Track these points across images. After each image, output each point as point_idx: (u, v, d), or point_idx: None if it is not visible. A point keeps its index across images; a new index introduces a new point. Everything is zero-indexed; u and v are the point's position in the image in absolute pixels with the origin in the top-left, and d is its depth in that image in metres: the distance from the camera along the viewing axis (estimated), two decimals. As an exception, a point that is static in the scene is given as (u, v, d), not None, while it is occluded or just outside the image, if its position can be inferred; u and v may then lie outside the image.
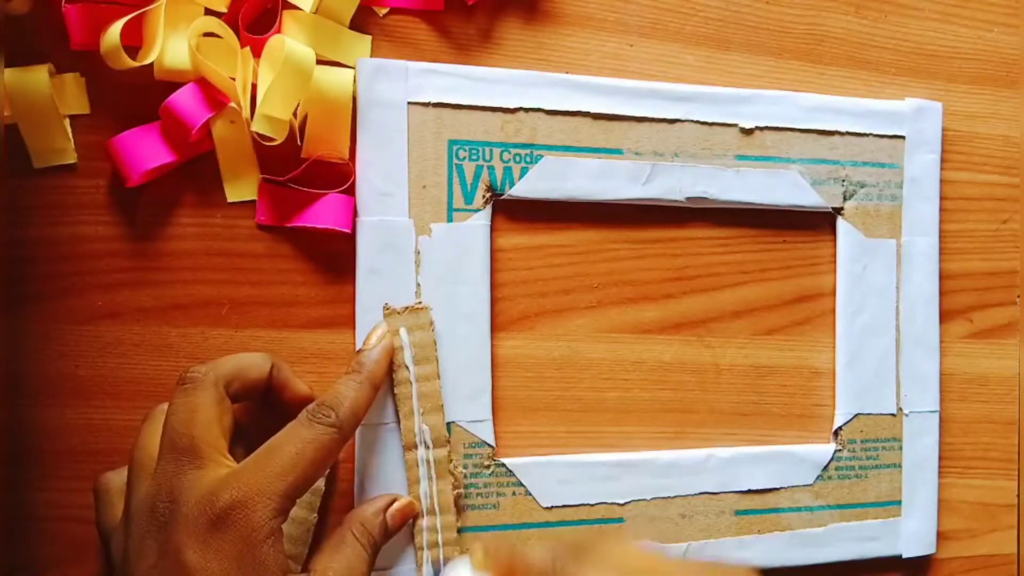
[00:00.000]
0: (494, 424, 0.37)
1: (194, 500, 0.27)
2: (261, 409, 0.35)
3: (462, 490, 0.36)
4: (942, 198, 0.44)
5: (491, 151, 0.37)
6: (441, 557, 0.35)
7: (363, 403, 0.32)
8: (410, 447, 0.35)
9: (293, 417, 0.31)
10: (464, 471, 0.36)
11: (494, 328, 0.38)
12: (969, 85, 0.46)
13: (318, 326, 0.36)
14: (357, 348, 0.35)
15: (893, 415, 0.42)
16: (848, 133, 0.42)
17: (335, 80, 0.35)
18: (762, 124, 0.41)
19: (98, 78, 0.34)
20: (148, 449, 0.30)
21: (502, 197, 0.37)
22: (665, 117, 0.39)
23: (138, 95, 0.34)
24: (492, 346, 0.37)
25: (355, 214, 0.36)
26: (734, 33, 0.42)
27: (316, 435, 0.30)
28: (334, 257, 0.36)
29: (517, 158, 0.37)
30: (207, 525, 0.27)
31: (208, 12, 0.34)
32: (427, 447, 0.35)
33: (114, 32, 0.32)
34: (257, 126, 0.34)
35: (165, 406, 0.30)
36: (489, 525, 0.37)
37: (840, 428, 0.42)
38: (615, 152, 0.39)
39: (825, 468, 0.41)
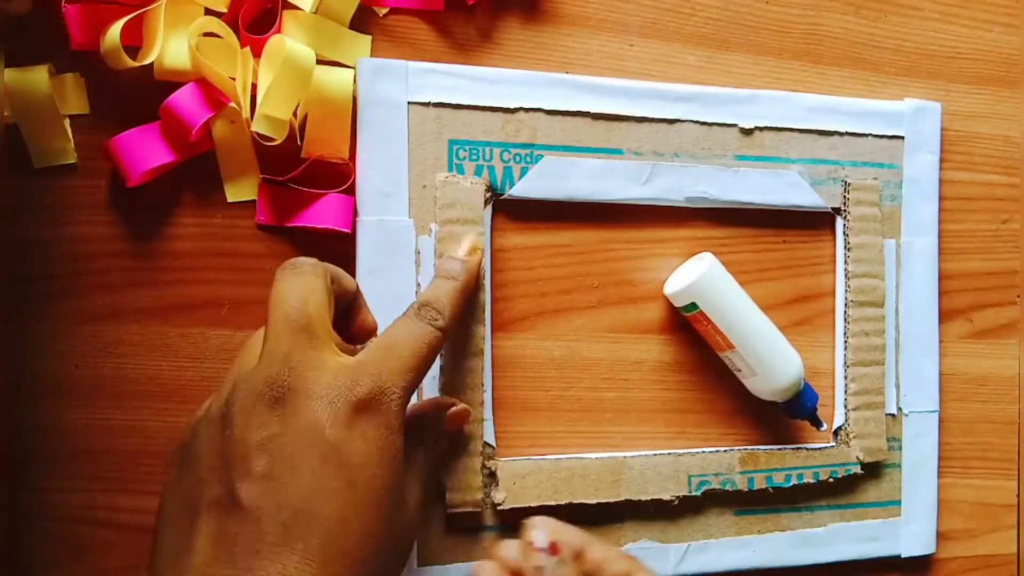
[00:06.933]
0: (494, 424, 0.37)
1: (327, 380, 0.26)
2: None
3: None
4: (942, 198, 0.44)
5: (491, 151, 0.37)
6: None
7: (460, 311, 0.33)
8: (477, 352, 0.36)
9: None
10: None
11: (494, 328, 0.38)
12: (969, 85, 0.46)
13: (318, 326, 0.36)
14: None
15: (893, 415, 0.42)
16: (848, 133, 0.42)
17: (335, 80, 0.35)
18: (762, 124, 0.41)
19: (98, 78, 0.34)
20: (246, 361, 0.28)
21: (502, 197, 0.37)
22: (665, 117, 0.39)
23: (138, 95, 0.34)
24: (492, 346, 0.37)
25: (355, 214, 0.36)
26: (734, 33, 0.42)
27: (429, 335, 0.30)
28: (334, 257, 0.36)
29: (517, 158, 0.37)
30: (349, 408, 0.26)
31: (208, 12, 0.34)
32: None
33: (114, 32, 0.32)
34: (257, 126, 0.34)
35: (257, 337, 0.29)
36: (488, 525, 0.37)
37: (840, 428, 0.42)
38: (615, 152, 0.39)
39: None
